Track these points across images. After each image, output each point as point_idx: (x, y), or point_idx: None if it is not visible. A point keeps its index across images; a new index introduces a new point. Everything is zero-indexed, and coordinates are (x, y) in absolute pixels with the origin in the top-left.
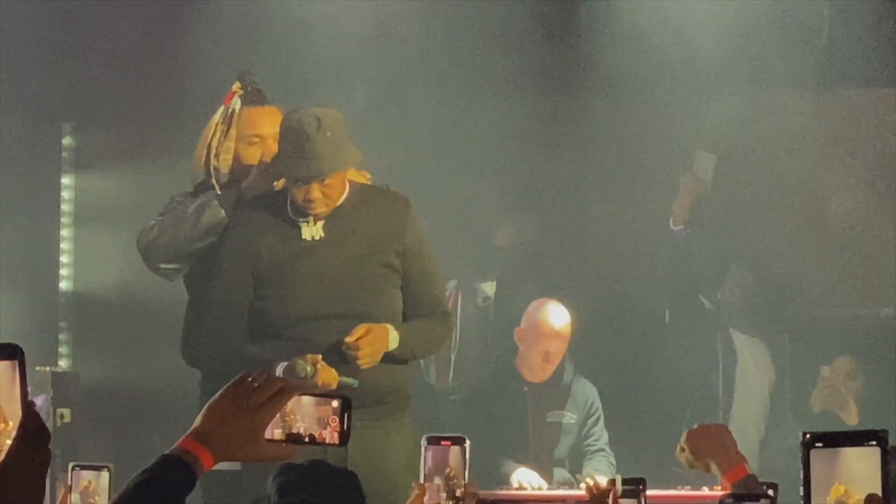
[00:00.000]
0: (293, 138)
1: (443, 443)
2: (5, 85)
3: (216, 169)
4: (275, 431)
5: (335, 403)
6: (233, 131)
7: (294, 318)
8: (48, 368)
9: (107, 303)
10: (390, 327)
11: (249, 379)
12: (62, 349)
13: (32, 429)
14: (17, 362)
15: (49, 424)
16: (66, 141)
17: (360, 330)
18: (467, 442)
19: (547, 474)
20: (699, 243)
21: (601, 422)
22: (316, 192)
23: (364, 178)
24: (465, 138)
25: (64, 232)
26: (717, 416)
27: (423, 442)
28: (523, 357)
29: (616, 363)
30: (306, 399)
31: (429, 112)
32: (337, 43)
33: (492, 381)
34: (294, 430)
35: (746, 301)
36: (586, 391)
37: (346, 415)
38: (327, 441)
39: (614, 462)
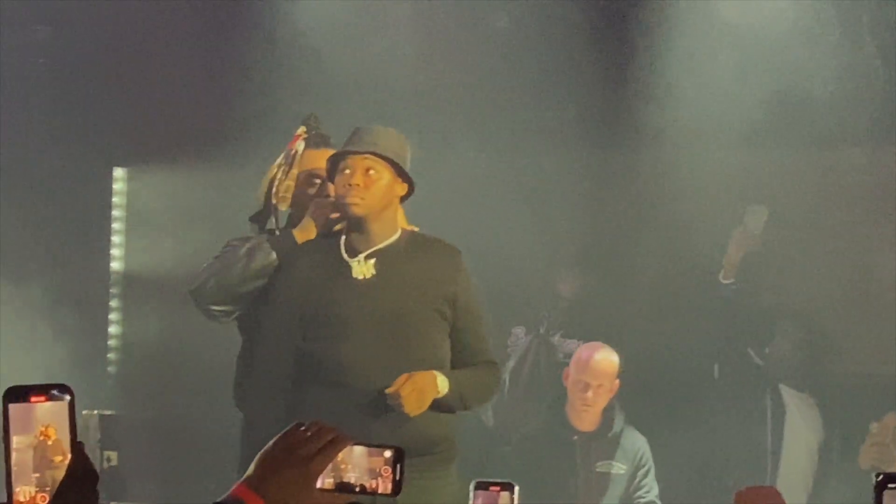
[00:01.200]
0: (361, 131)
1: (492, 488)
2: (57, 129)
3: (275, 208)
4: (326, 480)
5: (388, 454)
6: (294, 171)
7: (342, 364)
8: (95, 412)
9: (155, 348)
10: (436, 373)
11: (302, 428)
12: (110, 393)
13: (81, 469)
14: (67, 402)
15: (96, 467)
16: (118, 186)
17: (400, 379)
18: (516, 488)
19: None
20: (748, 297)
21: (651, 473)
22: (358, 177)
23: (414, 230)
24: (513, 192)
25: (113, 278)
26: (766, 472)
27: (472, 486)
28: (571, 401)
29: (665, 416)
30: (358, 449)
31: (478, 165)
32: (388, 94)
33: (542, 428)
34: (345, 480)
35: (795, 356)
36: (636, 442)
37: (398, 465)
38: (379, 491)
39: None
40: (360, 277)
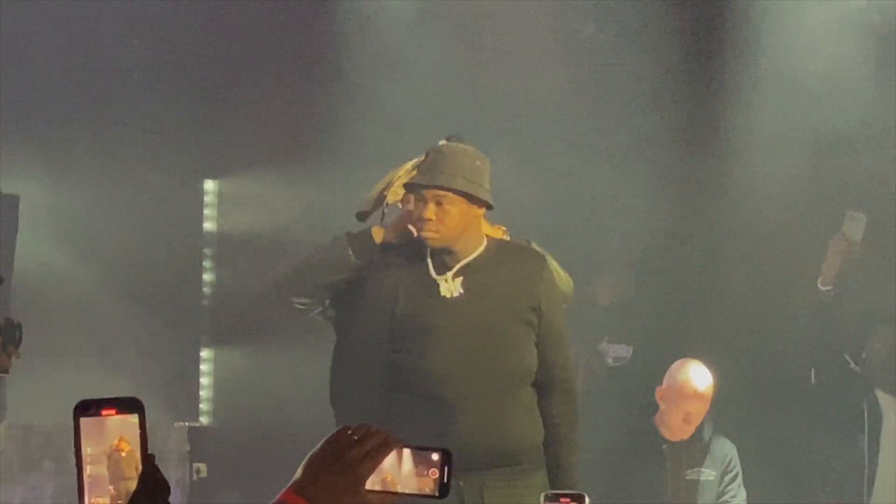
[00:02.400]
0: (436, 155)
1: (562, 500)
2: (149, 142)
3: (385, 200)
4: (373, 481)
5: (435, 456)
6: (415, 172)
7: (430, 374)
8: (186, 423)
9: (246, 359)
10: None
11: (349, 432)
12: (202, 405)
13: (152, 481)
14: (138, 415)
15: (185, 479)
16: (209, 198)
17: None
18: (587, 499)
19: None
20: (846, 303)
21: (739, 479)
22: (431, 210)
23: (500, 231)
24: (602, 198)
25: (206, 290)
26: (863, 478)
27: (542, 498)
28: (663, 416)
29: (760, 423)
30: (407, 451)
31: (567, 171)
32: (482, 102)
33: (630, 438)
34: (392, 481)
35: (892, 362)
36: (724, 448)
37: (446, 467)
38: (426, 492)
39: None
40: (448, 296)
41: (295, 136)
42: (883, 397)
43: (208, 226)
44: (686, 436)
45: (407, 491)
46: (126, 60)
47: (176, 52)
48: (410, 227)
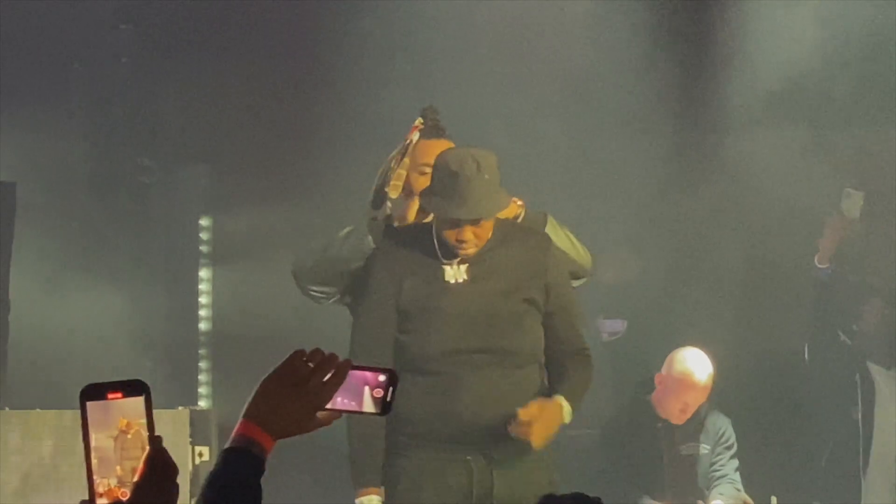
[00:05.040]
0: (450, 179)
1: None
2: (145, 129)
3: (387, 195)
4: None
5: (382, 377)
6: (406, 160)
7: (437, 354)
8: (187, 407)
9: (245, 342)
10: (562, 402)
11: (304, 358)
12: (202, 389)
13: (159, 463)
14: (143, 398)
15: (188, 462)
16: (204, 182)
17: (532, 411)
18: None
19: None
20: (842, 280)
21: (733, 450)
22: (469, 233)
23: (516, 205)
24: (599, 175)
25: (202, 273)
26: (858, 449)
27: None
28: (660, 400)
29: (754, 399)
30: (355, 372)
31: (562, 148)
32: (475, 81)
33: (627, 416)
34: (340, 399)
35: (883, 334)
36: (718, 421)
37: (391, 388)
38: (368, 410)
39: (741, 489)
40: (453, 281)
41: (288, 121)
42: (875, 369)
43: (204, 222)
44: (682, 422)
45: (352, 408)
46: (116, 46)
47: (168, 37)
48: (449, 239)
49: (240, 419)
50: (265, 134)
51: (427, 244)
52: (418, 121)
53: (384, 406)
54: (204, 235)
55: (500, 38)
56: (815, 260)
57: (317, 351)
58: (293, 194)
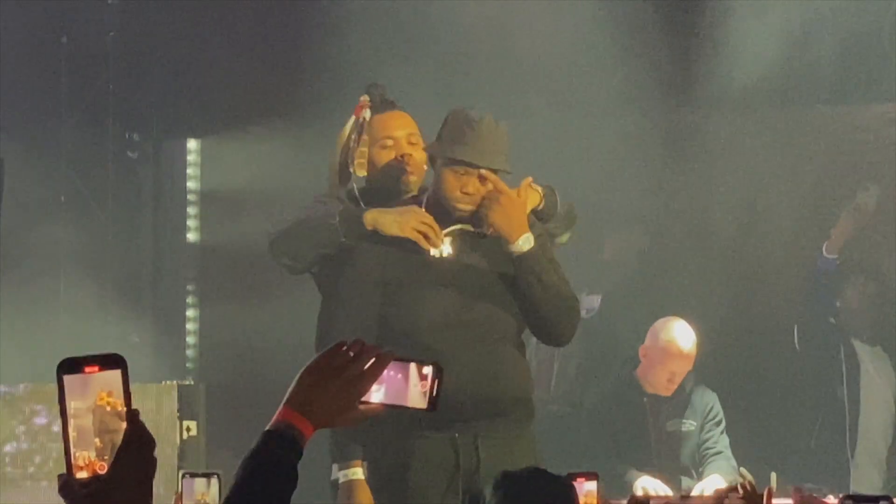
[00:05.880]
0: (468, 126)
1: (578, 479)
2: (132, 103)
3: (353, 175)
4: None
5: (426, 370)
6: (365, 137)
7: (418, 327)
8: (175, 382)
9: (233, 316)
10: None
11: (345, 348)
12: (189, 364)
13: (137, 437)
14: (120, 371)
15: (175, 436)
16: (192, 157)
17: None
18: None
19: (672, 482)
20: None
21: (722, 426)
22: (475, 184)
23: (539, 194)
24: (585, 153)
25: (190, 250)
26: (845, 427)
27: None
28: (646, 372)
29: (741, 377)
30: (399, 364)
31: (550, 125)
32: (461, 57)
33: (612, 391)
34: (384, 392)
35: (868, 310)
36: (705, 397)
37: (437, 381)
38: (416, 406)
39: (736, 465)
40: (437, 255)
41: (276, 94)
42: (860, 346)
43: (192, 185)
44: (669, 393)
45: (397, 403)
46: (104, 21)
47: (155, 11)
48: (450, 201)
49: (281, 405)
50: (253, 108)
51: None
52: (364, 98)
53: (431, 401)
54: (191, 210)
55: (492, 23)
56: (824, 249)
57: (358, 341)
58: (281, 166)
